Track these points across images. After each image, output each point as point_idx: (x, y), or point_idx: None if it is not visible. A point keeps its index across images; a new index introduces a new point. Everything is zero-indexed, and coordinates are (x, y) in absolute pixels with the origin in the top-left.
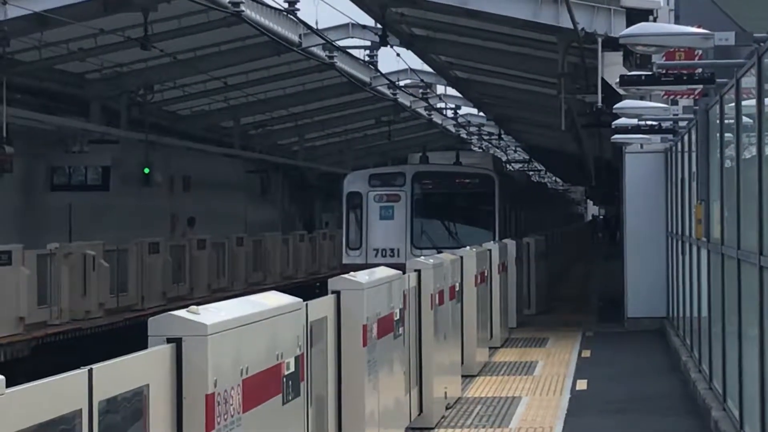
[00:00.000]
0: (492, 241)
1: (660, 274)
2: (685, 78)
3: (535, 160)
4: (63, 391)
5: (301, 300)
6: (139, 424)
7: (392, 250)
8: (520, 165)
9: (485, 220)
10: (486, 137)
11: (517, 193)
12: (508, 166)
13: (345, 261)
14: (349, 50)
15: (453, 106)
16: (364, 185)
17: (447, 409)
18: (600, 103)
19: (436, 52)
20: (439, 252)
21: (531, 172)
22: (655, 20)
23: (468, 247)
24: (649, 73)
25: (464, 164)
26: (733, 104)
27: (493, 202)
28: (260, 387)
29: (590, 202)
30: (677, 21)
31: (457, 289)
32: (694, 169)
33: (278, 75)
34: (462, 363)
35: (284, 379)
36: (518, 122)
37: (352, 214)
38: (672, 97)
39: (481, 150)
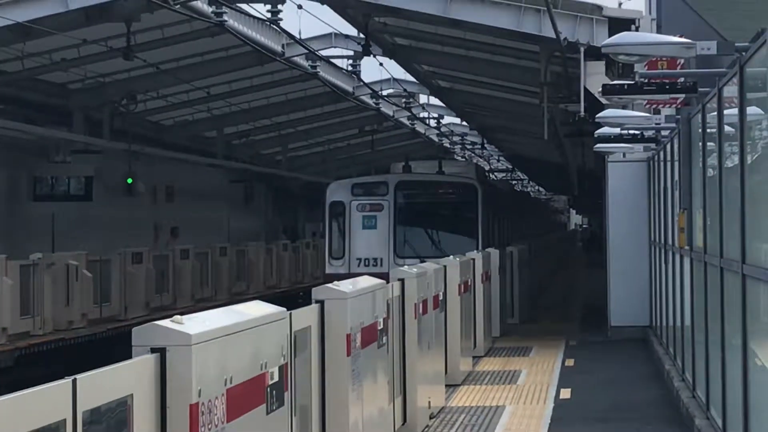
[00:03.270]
0: (475, 250)
1: (643, 283)
2: (667, 87)
3: (518, 169)
4: (47, 401)
5: (284, 309)
6: None
7: (375, 259)
8: (503, 174)
9: (468, 229)
10: (469, 146)
11: (500, 202)
12: (491, 175)
13: (328, 270)
14: (332, 60)
15: (436, 115)
16: (346, 194)
17: (431, 418)
18: (583, 113)
19: (418, 62)
20: (422, 261)
21: (514, 182)
22: (637, 29)
23: (451, 257)
24: (632, 82)
25: (447, 173)
26: (715, 113)
27: (476, 211)
28: (244, 397)
29: (573, 211)
30: (659, 30)
31: (440, 298)
32: (676, 177)
33: (261, 85)
34: (446, 372)
35: (268, 389)
36: (501, 131)
37: (335, 223)
38: (654, 106)
39: (464, 159)
